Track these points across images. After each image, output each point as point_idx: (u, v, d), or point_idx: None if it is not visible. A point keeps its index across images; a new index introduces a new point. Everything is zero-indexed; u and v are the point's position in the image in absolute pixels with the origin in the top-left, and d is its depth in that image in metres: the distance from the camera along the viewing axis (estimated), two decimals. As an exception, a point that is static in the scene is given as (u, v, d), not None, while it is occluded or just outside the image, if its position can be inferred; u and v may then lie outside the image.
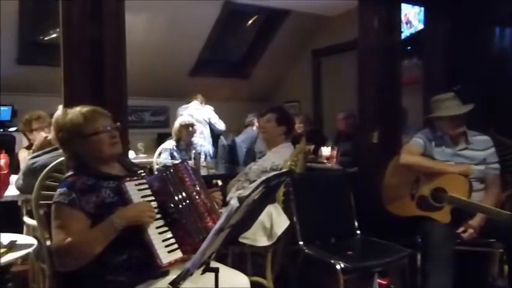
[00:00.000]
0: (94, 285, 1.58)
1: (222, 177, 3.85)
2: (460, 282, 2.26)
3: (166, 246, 1.57)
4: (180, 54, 5.80)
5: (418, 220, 2.47)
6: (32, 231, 2.57)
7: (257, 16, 6.22)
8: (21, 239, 1.87)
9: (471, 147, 2.54)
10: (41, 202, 2.03)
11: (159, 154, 4.27)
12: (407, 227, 2.53)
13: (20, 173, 2.59)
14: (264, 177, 1.37)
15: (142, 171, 1.81)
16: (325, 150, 4.27)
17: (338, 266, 2.13)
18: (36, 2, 4.78)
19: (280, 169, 2.59)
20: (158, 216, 1.61)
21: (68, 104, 1.91)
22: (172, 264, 1.55)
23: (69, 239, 1.49)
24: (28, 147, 3.28)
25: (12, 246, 1.72)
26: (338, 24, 5.92)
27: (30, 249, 1.78)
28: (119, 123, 1.76)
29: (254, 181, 2.09)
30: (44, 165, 2.24)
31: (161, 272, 1.57)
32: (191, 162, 3.62)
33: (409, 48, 4.82)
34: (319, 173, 3.79)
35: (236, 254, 2.76)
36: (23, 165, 2.78)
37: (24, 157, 3.15)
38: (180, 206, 1.65)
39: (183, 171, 1.70)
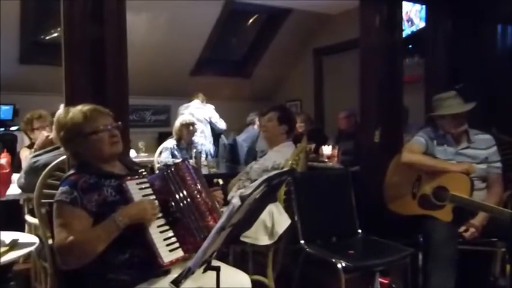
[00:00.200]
0: (96, 283, 1.58)
1: (223, 176, 3.84)
2: (462, 281, 2.25)
3: (168, 245, 1.57)
4: (181, 53, 5.80)
5: (420, 219, 2.46)
6: (33, 230, 2.58)
7: (258, 15, 6.21)
8: (23, 237, 1.86)
9: (473, 146, 2.53)
10: (43, 201, 2.04)
11: (160, 153, 4.26)
12: (409, 226, 2.52)
13: (22, 172, 2.60)
14: (265, 176, 1.37)
15: (144, 170, 1.80)
16: (327, 149, 4.27)
17: (339, 265, 2.13)
18: (37, 2, 4.79)
19: (282, 168, 2.59)
20: (159, 215, 1.62)
21: (70, 103, 1.91)
22: (174, 263, 1.56)
23: (71, 238, 1.49)
24: (30, 146, 3.29)
25: (14, 245, 1.72)
26: (339, 23, 5.91)
27: (32, 248, 1.78)
28: (119, 122, 1.76)
29: (255, 180, 2.11)
30: (46, 164, 2.25)
31: (163, 270, 1.57)
32: (192, 161, 3.63)
33: (410, 46, 4.80)
34: (321, 172, 3.80)
35: (237, 253, 2.76)
36: (24, 164, 2.79)
37: (25, 156, 3.16)
38: (181, 204, 1.65)
39: (184, 170, 1.70)
